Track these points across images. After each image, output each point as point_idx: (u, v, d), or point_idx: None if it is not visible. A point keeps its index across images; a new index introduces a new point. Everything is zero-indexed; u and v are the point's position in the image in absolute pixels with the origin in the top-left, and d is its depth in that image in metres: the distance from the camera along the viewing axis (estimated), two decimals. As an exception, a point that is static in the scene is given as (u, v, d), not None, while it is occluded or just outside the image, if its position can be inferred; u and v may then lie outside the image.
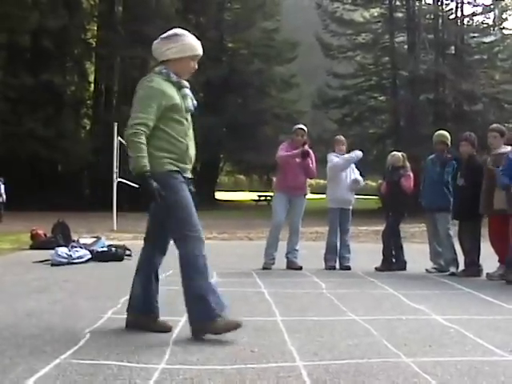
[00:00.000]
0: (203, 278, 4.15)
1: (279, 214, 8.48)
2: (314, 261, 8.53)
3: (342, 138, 8.99)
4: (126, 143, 4.21)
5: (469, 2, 32.98)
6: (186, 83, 4.39)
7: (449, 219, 8.24)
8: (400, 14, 33.04)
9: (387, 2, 32.75)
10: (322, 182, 9.14)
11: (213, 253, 10.45)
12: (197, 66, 4.42)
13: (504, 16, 36.24)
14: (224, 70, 33.54)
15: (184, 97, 4.32)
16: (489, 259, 7.79)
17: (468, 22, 33.79)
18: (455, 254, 8.07)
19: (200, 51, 4.38)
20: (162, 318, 4.45)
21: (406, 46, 32.62)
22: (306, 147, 8.43)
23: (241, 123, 32.21)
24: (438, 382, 3.24)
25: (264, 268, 8.30)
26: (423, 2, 32.65)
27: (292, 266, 8.41)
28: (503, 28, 35.74)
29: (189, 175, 4.36)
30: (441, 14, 32.53)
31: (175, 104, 4.24)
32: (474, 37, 33.52)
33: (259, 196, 36.14)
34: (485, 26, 33.58)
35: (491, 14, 34.22)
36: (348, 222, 8.72)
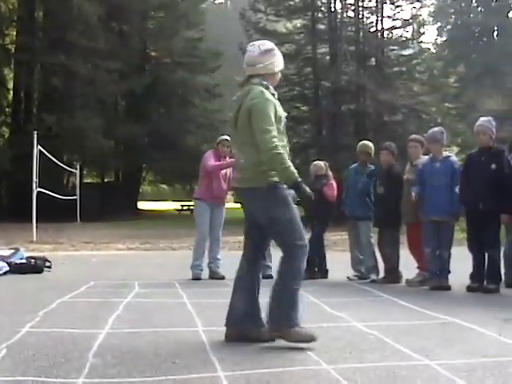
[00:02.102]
0: (299, 287, 4.30)
1: (205, 225, 8.48)
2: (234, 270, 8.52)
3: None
4: (268, 157, 4.21)
5: (388, 16, 33.71)
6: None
7: (370, 227, 8.39)
8: (322, 26, 33.49)
9: (310, 13, 33.15)
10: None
11: (135, 263, 10.49)
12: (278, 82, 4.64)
13: (422, 30, 37.33)
14: (147, 78, 33.20)
15: (277, 106, 4.39)
16: (408, 266, 7.98)
17: (388, 35, 34.55)
18: (376, 261, 8.24)
19: (283, 66, 4.62)
20: (83, 330, 4.37)
21: (328, 57, 33.08)
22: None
23: (164, 132, 31.92)
24: (357, 388, 3.30)
25: (194, 279, 8.26)
26: (345, 15, 33.21)
27: (214, 275, 8.40)
28: (421, 42, 36.76)
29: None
30: (362, 26, 33.17)
31: (280, 116, 4.34)
32: (394, 49, 34.32)
33: (182, 206, 35.91)
34: (404, 39, 34.43)
35: (410, 28, 35.19)
36: None
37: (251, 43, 4.62)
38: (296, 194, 4.32)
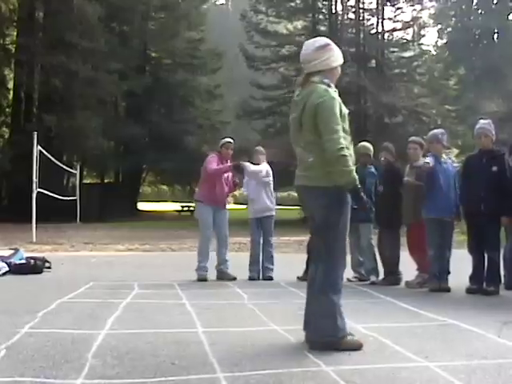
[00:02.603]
0: (338, 297, 4.31)
1: (208, 226, 8.47)
2: (237, 271, 8.53)
3: (260, 148, 9.00)
4: (332, 158, 4.16)
5: (389, 18, 33.82)
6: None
7: (371, 230, 8.38)
8: (323, 28, 33.53)
9: (310, 15, 33.24)
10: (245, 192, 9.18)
11: (134, 264, 10.49)
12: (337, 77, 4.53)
13: (422, 32, 37.45)
14: (147, 79, 33.28)
15: (341, 104, 4.36)
16: (408, 267, 7.97)
17: (388, 37, 34.65)
18: (376, 263, 8.23)
19: (342, 61, 4.52)
20: (82, 331, 4.36)
21: (328, 59, 33.19)
22: (243, 162, 8.51)
23: (164, 133, 31.98)
24: (356, 389, 3.30)
25: (199, 280, 8.23)
26: (345, 17, 33.28)
27: (225, 276, 8.39)
28: (421, 44, 36.89)
29: None
30: (362, 28, 33.26)
31: (344, 113, 4.31)
32: (394, 51, 34.40)
33: (182, 207, 35.91)
34: (404, 41, 34.52)
35: (410, 30, 35.28)
36: (270, 231, 8.76)
37: (306, 41, 4.58)
38: (353, 199, 4.28)
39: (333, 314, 4.20)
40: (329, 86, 4.34)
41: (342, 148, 4.13)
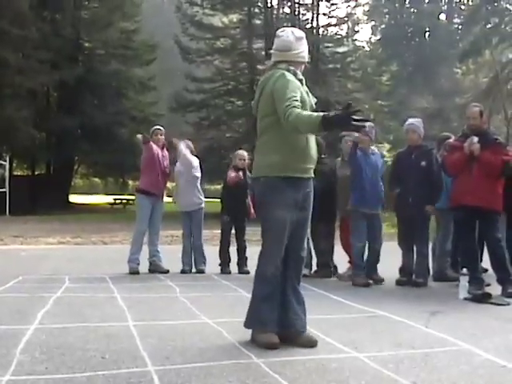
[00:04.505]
0: (263, 288, 4.20)
1: (145, 218, 8.42)
2: (169, 265, 8.49)
3: (186, 141, 8.90)
4: (290, 126, 3.97)
5: (324, 14, 34.11)
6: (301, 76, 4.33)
7: (309, 223, 8.42)
8: (258, 21, 33.60)
9: (246, 8, 33.21)
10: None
11: (66, 257, 10.32)
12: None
13: (356, 28, 38.03)
14: (80, 69, 32.61)
15: (307, 93, 4.27)
16: (342, 260, 8.09)
17: (323, 32, 34.94)
18: (310, 256, 8.30)
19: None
20: (10, 326, 4.26)
21: (263, 53, 33.20)
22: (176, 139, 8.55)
23: (96, 125, 31.42)
24: (287, 380, 3.33)
25: (131, 273, 8.15)
26: (281, 11, 33.42)
27: (158, 269, 8.35)
28: (355, 40, 37.39)
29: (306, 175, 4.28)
30: (297, 23, 33.39)
31: (305, 100, 4.17)
32: (329, 47, 34.70)
33: (115, 199, 35.46)
34: (339, 37, 34.90)
35: (345, 26, 35.73)
36: (199, 225, 8.74)
37: (281, 29, 4.40)
38: (337, 127, 3.94)
39: (255, 304, 4.22)
40: (295, 73, 4.23)
41: (290, 109, 3.93)
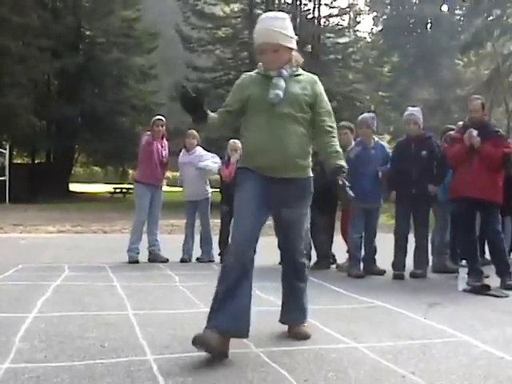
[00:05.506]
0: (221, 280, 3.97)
1: (145, 208, 8.42)
2: (169, 254, 8.50)
3: (193, 132, 8.79)
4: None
5: (326, 4, 34.06)
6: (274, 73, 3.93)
7: (308, 215, 8.41)
8: (259, 11, 33.51)
9: (247, -2, 33.22)
10: (178, 174, 9.17)
11: (65, 246, 10.32)
12: (267, 59, 3.97)
13: (358, 19, 37.99)
14: (81, 58, 32.57)
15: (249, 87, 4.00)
16: (341, 251, 8.09)
17: (325, 22, 34.87)
18: (309, 247, 8.30)
19: (260, 41, 3.95)
20: (10, 314, 4.27)
21: (264, 43, 33.24)
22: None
23: (97, 113, 31.38)
24: (285, 370, 3.33)
25: (131, 262, 8.16)
26: (282, 1, 33.33)
27: (158, 258, 8.36)
28: (357, 30, 37.36)
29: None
30: (299, 13, 33.35)
31: (250, 96, 3.97)
32: (330, 37, 34.65)
33: (115, 188, 35.44)
34: (340, 27, 34.83)
35: (346, 17, 35.66)
36: (206, 214, 8.75)
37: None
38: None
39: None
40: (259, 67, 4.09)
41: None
